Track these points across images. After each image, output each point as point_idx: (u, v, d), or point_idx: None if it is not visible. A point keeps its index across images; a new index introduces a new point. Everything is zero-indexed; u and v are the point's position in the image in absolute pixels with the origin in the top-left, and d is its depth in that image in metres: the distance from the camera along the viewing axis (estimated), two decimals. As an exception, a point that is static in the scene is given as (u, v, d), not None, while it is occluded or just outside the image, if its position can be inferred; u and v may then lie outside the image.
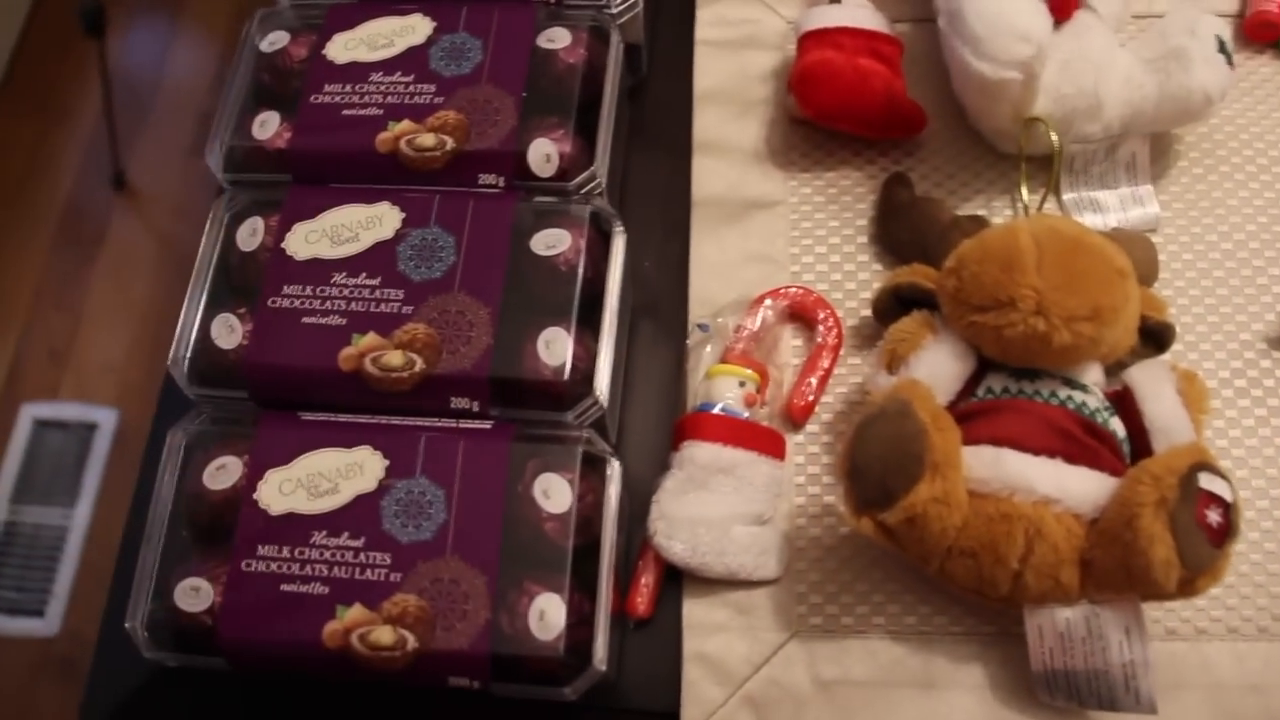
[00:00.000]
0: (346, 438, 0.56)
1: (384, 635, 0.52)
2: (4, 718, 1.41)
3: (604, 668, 0.53)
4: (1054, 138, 0.67)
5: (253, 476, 0.56)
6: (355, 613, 0.53)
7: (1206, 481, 0.52)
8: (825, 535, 0.62)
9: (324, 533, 0.54)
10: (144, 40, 1.89)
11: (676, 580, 0.61)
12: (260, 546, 0.54)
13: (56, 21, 1.83)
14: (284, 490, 0.55)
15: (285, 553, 0.54)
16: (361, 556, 0.54)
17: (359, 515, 0.54)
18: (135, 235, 1.71)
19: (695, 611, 0.61)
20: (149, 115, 1.79)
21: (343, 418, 0.58)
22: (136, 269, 1.67)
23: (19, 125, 1.79)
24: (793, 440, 0.65)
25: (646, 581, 0.61)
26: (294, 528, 0.55)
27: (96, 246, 1.69)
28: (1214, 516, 0.52)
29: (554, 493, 0.55)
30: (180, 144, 1.76)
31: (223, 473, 0.56)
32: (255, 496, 0.55)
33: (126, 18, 1.88)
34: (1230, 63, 0.67)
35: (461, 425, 0.57)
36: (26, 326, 1.64)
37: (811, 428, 0.65)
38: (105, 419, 1.57)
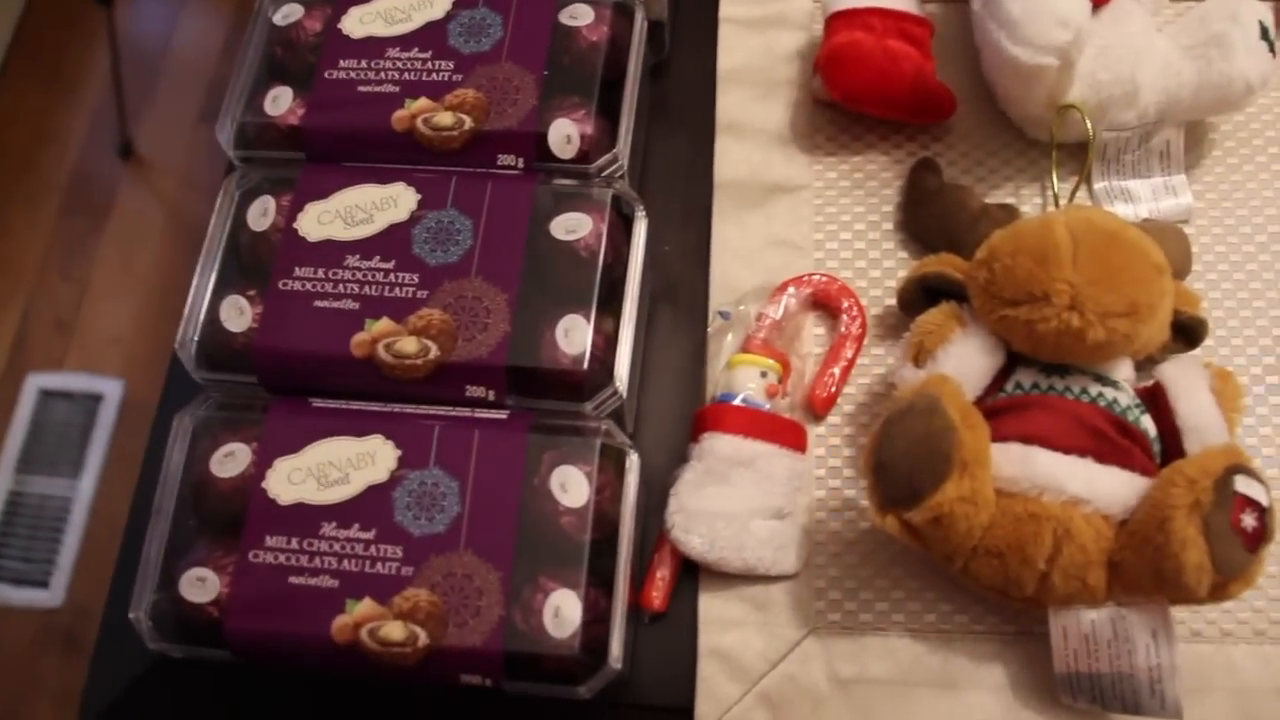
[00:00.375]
0: (358, 426, 0.55)
1: (394, 631, 0.51)
2: (7, 688, 1.40)
3: (619, 666, 0.52)
4: (1089, 125, 0.65)
5: (262, 464, 0.54)
6: (365, 607, 0.52)
7: (1243, 485, 0.50)
8: (845, 530, 0.61)
9: (334, 524, 0.53)
10: (152, 8, 1.87)
11: (693, 574, 0.60)
12: (269, 537, 0.53)
13: (63, -10, 1.81)
14: (293, 479, 0.54)
15: (294, 544, 0.53)
16: (372, 549, 0.52)
17: (370, 506, 0.53)
18: (143, 205, 1.69)
19: (711, 606, 0.60)
20: (157, 84, 1.77)
21: (355, 405, 0.56)
22: (144, 239, 1.66)
23: (26, 94, 1.77)
24: (814, 432, 0.63)
25: (662, 575, 0.60)
26: (303, 518, 0.53)
27: (103, 216, 1.68)
28: (1249, 521, 0.50)
29: (571, 486, 0.53)
30: (189, 113, 1.74)
31: (231, 460, 0.55)
32: (264, 485, 0.54)
33: (135, -17, 1.86)
34: (1273, 50, 0.65)
35: (477, 415, 0.56)
36: (33, 296, 1.63)
37: (833, 419, 0.64)
38: (111, 390, 1.56)
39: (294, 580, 0.52)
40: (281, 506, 0.54)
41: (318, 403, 0.57)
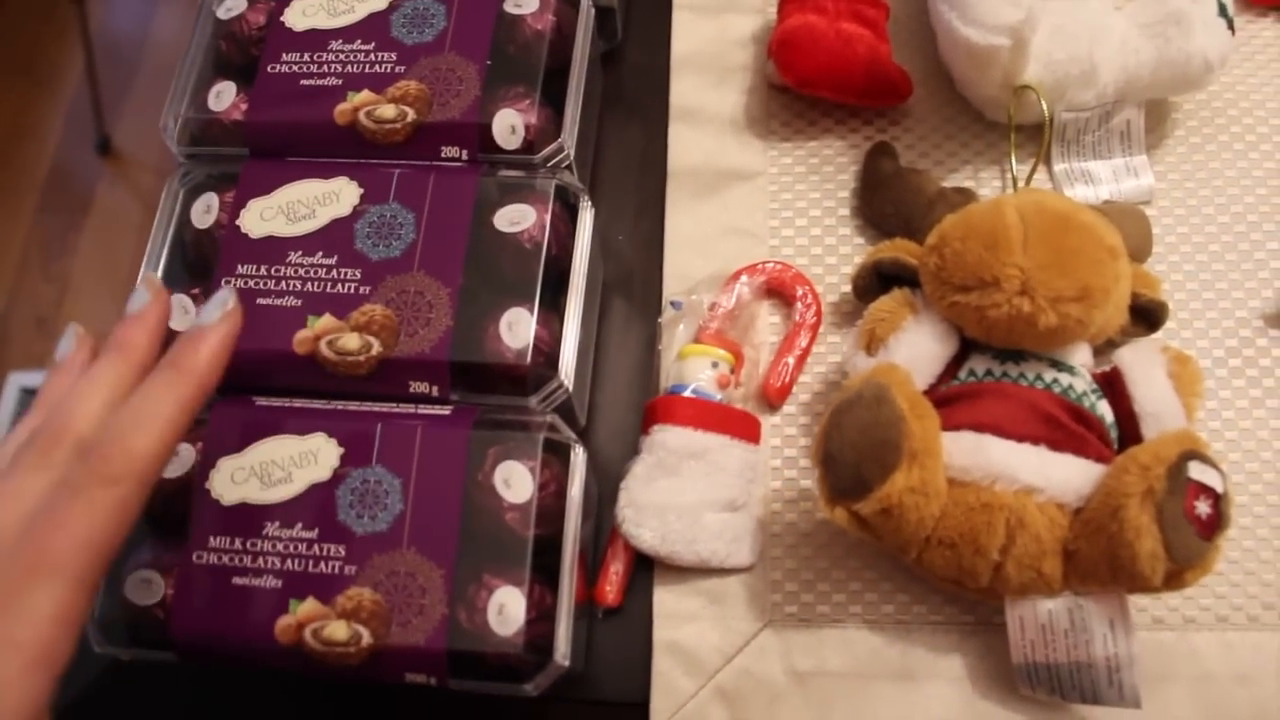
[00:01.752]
0: (301, 424, 0.54)
1: (338, 631, 0.50)
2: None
3: (566, 662, 0.51)
4: (1045, 106, 0.64)
5: (205, 464, 0.54)
6: (308, 607, 0.51)
7: (1196, 471, 0.50)
8: (801, 521, 0.60)
9: (277, 523, 0.52)
10: (126, 3, 1.86)
11: (648, 567, 0.60)
12: (212, 538, 0.52)
13: (37, -16, 1.80)
14: (236, 479, 0.53)
15: (237, 544, 0.52)
16: (315, 548, 0.52)
17: (313, 505, 0.52)
18: (121, 201, 1.69)
19: (666, 600, 0.59)
20: (133, 79, 1.76)
21: (298, 403, 0.56)
22: (123, 235, 1.65)
23: (1, 91, 1.76)
24: (769, 422, 0.63)
25: (616, 569, 0.59)
26: (246, 518, 0.53)
27: (82, 213, 1.68)
28: (1203, 508, 0.50)
29: (515, 482, 0.53)
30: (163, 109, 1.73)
31: (175, 461, 0.54)
32: (207, 485, 0.53)
33: (109, -21, 1.85)
34: (1231, 28, 0.64)
35: (420, 411, 0.55)
36: (12, 294, 1.62)
37: (789, 409, 0.63)
38: (91, 388, 1.56)
39: (238, 581, 0.52)
40: (224, 507, 0.53)
41: (261, 401, 0.56)
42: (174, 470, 0.54)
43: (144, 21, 1.82)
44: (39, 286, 1.63)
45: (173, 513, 0.54)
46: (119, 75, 1.75)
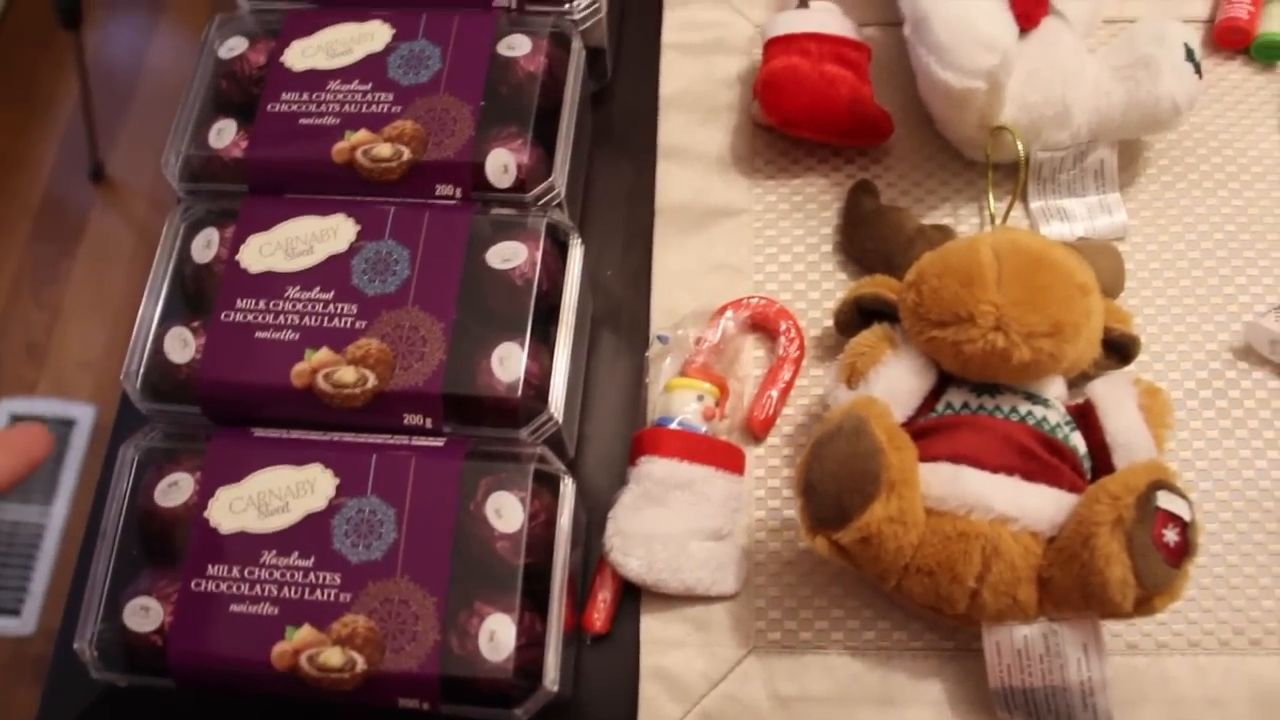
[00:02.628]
0: (298, 455, 0.56)
1: (333, 657, 0.52)
2: (-20, 715, 1.40)
3: (555, 688, 0.52)
4: (1021, 146, 0.66)
5: (204, 494, 0.55)
6: (304, 633, 0.52)
7: (1164, 501, 0.51)
8: (785, 550, 0.62)
9: (274, 552, 0.54)
10: (123, 33, 1.88)
11: (635, 595, 0.61)
12: (210, 566, 0.54)
13: (33, 13, 1.81)
14: (235, 509, 0.55)
15: (235, 572, 0.54)
16: (312, 576, 0.53)
17: (309, 534, 0.54)
18: (114, 229, 1.70)
19: (653, 627, 0.60)
20: (128, 108, 1.78)
21: (295, 434, 0.57)
22: (115, 263, 1.66)
23: (-4, 117, 1.78)
24: (753, 453, 0.64)
25: (604, 597, 0.60)
26: (244, 547, 0.54)
27: (75, 240, 1.68)
28: (1171, 535, 0.51)
29: (506, 512, 0.54)
30: (160, 136, 1.73)
31: (174, 490, 0.56)
32: (206, 515, 0.55)
33: (105, 10, 1.86)
34: (1199, 71, 0.66)
35: (414, 442, 0.56)
36: (4, 320, 1.63)
37: (773, 440, 0.65)
38: (83, 415, 1.56)
39: (235, 608, 0.53)
40: (223, 535, 0.54)
41: (259, 432, 0.58)
42: (173, 500, 0.56)
43: (140, 52, 1.84)
44: (30, 313, 1.64)
45: (171, 541, 0.55)
46: (114, 104, 1.76)
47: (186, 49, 1.85)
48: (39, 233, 1.70)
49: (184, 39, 1.88)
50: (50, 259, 1.67)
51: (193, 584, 0.54)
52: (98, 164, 1.73)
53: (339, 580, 0.53)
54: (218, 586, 0.53)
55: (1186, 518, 0.52)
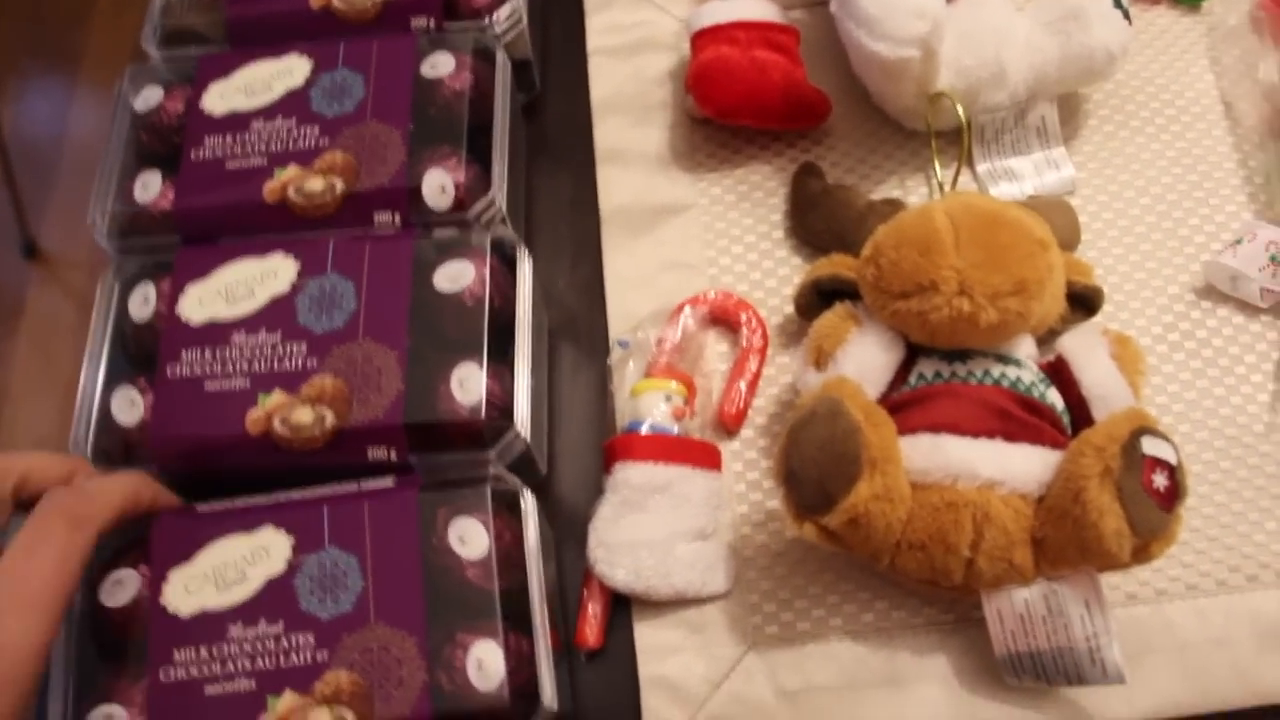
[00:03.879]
0: (246, 521, 0.53)
1: (321, 717, 0.50)
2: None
3: (554, 706, 0.51)
4: (960, 111, 0.66)
5: (155, 581, 0.52)
6: (287, 701, 0.50)
7: (1149, 446, 0.51)
8: (772, 541, 0.61)
9: (240, 624, 0.51)
10: (38, 104, 1.84)
11: (625, 605, 0.60)
12: (176, 651, 0.51)
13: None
14: (190, 589, 0.52)
15: (204, 654, 0.51)
16: (284, 641, 0.51)
17: (273, 599, 0.52)
18: (53, 303, 1.67)
19: (648, 635, 0.59)
20: (54, 179, 1.75)
21: (240, 502, 0.55)
22: (59, 337, 1.63)
23: (-81, 205, 1.74)
24: (729, 448, 0.63)
25: (594, 611, 0.59)
26: (208, 625, 0.51)
27: (15, 319, 1.65)
28: (1161, 480, 0.51)
29: (470, 538, 0.52)
30: (88, 205, 1.72)
31: (120, 588, 0.53)
32: (161, 602, 0.52)
33: (19, 82, 1.83)
34: (1128, 18, 0.66)
35: (363, 487, 0.55)
36: (-49, 409, 1.59)
37: (747, 433, 0.64)
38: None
39: (211, 690, 0.50)
40: (184, 620, 0.52)
41: (202, 508, 0.55)
42: (120, 599, 0.53)
43: (58, 122, 1.81)
44: (-22, 399, 1.60)
45: (126, 640, 0.52)
46: (38, 178, 1.73)
47: (104, 110, 1.83)
48: (-23, 318, 1.67)
49: (100, 103, 1.85)
50: (-10, 342, 1.64)
51: (160, 675, 0.51)
52: (29, 240, 1.70)
53: (313, 639, 0.51)
54: (188, 672, 0.51)
55: (1173, 461, 0.51)
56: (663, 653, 0.58)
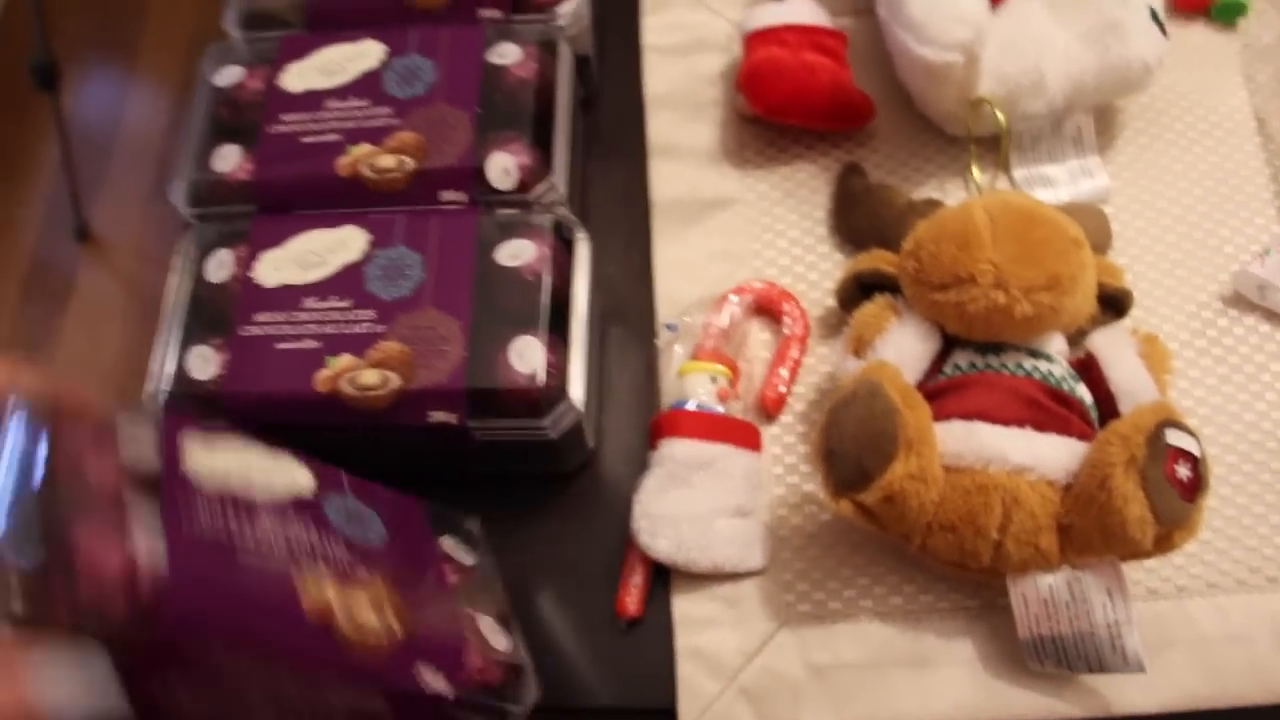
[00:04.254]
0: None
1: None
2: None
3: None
4: (1000, 116, 0.68)
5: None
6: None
7: (1174, 437, 0.53)
8: (807, 523, 0.63)
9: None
10: (99, 89, 1.89)
11: (665, 577, 0.62)
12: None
13: (9, 78, 1.82)
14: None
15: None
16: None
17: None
18: (103, 284, 1.70)
19: (685, 607, 0.61)
20: (108, 164, 1.79)
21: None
22: (107, 318, 1.67)
23: (-23, 186, 1.79)
24: (768, 432, 0.65)
25: (635, 581, 0.61)
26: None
27: (65, 299, 1.69)
28: (1184, 471, 0.53)
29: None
30: (141, 190, 1.76)
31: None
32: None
33: (80, 70, 1.87)
34: (1164, 31, 0.68)
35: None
36: (0, 384, 1.62)
37: (786, 418, 0.66)
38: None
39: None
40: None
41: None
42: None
43: (116, 107, 1.85)
44: (25, 376, 1.63)
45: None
46: (93, 161, 1.77)
47: (161, 102, 1.87)
48: (30, 294, 1.70)
49: (158, 93, 1.89)
50: (42, 320, 1.67)
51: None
52: (82, 223, 1.74)
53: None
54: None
55: (1196, 453, 0.53)
56: (699, 625, 0.61)
